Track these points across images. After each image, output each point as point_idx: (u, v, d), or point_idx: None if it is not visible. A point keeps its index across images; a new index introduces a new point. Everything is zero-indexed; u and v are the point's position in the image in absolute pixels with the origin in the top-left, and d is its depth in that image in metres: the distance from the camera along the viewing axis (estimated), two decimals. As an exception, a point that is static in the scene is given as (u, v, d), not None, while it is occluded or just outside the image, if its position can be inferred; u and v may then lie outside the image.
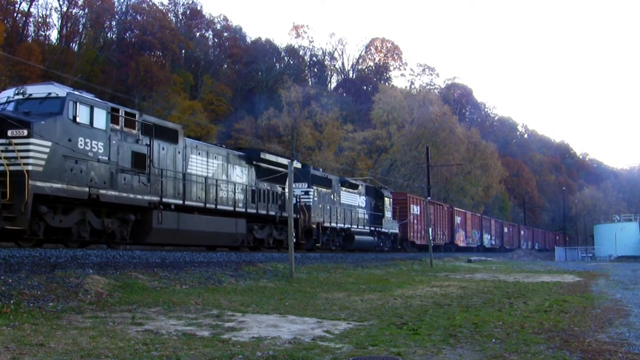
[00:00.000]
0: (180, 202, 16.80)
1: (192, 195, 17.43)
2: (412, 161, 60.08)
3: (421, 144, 58.63)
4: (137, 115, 15.39)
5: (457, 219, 48.16)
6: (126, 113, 15.02)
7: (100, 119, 14.04)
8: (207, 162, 18.51)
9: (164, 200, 16.08)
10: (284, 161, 23.07)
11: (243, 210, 19.90)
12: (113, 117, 14.47)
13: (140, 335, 7.15)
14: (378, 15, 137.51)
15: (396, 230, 35.62)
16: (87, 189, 13.47)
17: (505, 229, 64.55)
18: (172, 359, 5.98)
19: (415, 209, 39.11)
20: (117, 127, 14.60)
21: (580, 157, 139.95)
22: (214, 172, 18.70)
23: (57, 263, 11.16)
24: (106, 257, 12.87)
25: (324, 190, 26.74)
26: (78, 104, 13.44)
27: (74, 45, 53.86)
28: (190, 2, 69.57)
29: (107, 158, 14.10)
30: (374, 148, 60.52)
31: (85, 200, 13.61)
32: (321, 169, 31.30)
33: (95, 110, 13.90)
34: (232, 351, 6.39)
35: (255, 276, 15.12)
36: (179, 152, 17.05)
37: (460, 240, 48.43)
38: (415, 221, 39.19)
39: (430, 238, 32.08)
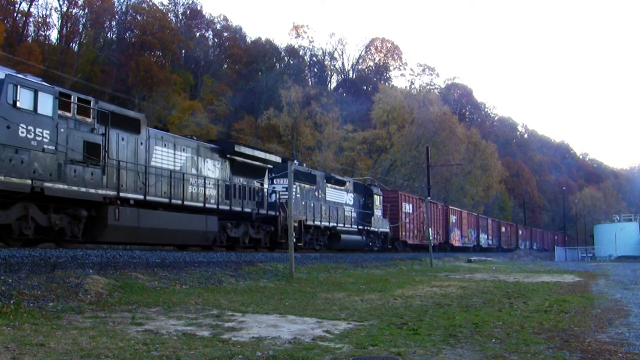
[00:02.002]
0: (141, 197, 15.59)
1: (155, 190, 16.23)
2: (412, 161, 60.11)
3: (421, 144, 58.66)
4: (92, 102, 14.23)
5: (453, 218, 47.02)
6: (79, 99, 13.84)
7: (46, 104, 12.81)
8: (174, 154, 17.32)
9: (122, 194, 14.89)
10: (262, 154, 21.98)
11: (214, 206, 18.68)
12: (62, 103, 13.27)
13: (140, 335, 7.15)
14: (378, 15, 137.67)
15: (387, 230, 34.18)
16: (29, 182, 12.26)
17: (503, 229, 63.89)
18: (172, 359, 5.97)
19: (407, 207, 38.16)
20: (68, 115, 13.41)
21: (580, 157, 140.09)
22: (181, 165, 17.57)
23: (57, 263, 11.15)
24: (106, 257, 12.88)
25: (307, 186, 25.36)
26: (19, 87, 12.20)
27: (74, 45, 53.92)
28: (190, 2, 69.79)
29: (53, 148, 12.85)
30: (374, 148, 60.52)
31: (27, 194, 12.44)
32: (304, 164, 29.79)
33: (40, 95, 12.67)
34: (232, 351, 6.38)
35: (255, 276, 15.11)
36: (141, 143, 15.85)
37: (455, 240, 47.48)
38: (408, 220, 38.16)
39: (430, 238, 31.89)
